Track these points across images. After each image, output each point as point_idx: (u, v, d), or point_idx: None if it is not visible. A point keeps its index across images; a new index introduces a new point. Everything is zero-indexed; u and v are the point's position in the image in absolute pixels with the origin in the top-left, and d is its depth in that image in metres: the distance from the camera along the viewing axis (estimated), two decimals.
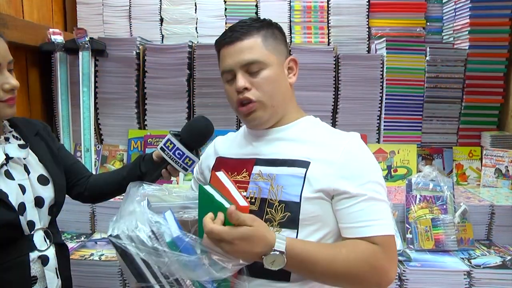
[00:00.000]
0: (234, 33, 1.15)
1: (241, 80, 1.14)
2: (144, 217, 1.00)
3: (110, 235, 0.99)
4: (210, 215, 0.99)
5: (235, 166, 1.22)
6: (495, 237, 2.06)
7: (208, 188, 1.08)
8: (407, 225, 1.99)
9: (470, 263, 1.82)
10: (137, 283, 0.99)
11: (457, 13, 2.58)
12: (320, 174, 1.09)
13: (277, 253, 0.97)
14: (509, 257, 1.87)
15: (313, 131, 1.20)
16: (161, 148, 1.24)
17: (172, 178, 1.33)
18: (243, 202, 1.01)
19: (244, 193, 1.15)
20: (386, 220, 1.08)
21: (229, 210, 0.95)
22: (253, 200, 1.14)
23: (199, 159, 1.29)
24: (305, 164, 1.12)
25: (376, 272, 1.04)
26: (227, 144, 1.33)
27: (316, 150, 1.13)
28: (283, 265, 0.98)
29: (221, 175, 1.12)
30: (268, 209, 1.11)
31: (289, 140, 1.18)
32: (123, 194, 1.25)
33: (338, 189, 1.08)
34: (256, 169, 1.17)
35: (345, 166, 1.09)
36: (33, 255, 1.21)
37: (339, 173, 1.09)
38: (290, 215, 1.09)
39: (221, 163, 1.27)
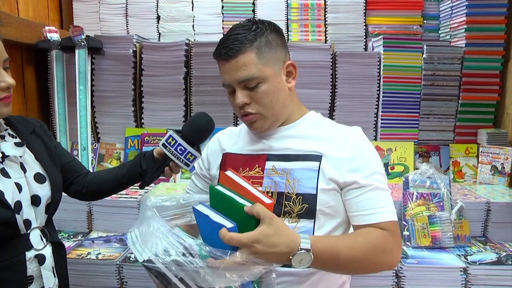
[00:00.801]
0: (229, 50, 1.14)
1: (240, 97, 1.16)
2: (169, 235, 0.99)
3: (143, 261, 0.98)
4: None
5: (246, 162, 1.25)
6: (491, 234, 2.08)
7: (221, 188, 1.06)
8: (404, 223, 1.99)
9: (467, 259, 1.83)
10: None
11: (453, 11, 2.58)
12: (332, 168, 1.16)
13: (304, 251, 0.99)
14: (504, 253, 1.88)
15: (318, 127, 1.24)
16: (163, 145, 1.25)
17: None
18: (267, 200, 1.03)
19: (260, 188, 1.18)
20: (391, 207, 1.15)
21: (245, 208, 0.98)
22: (270, 195, 1.18)
23: (201, 155, 1.30)
24: (317, 158, 1.17)
25: (389, 254, 1.11)
26: (233, 139, 1.34)
27: (324, 145, 1.18)
28: (310, 262, 1.01)
29: (231, 174, 1.10)
30: (286, 202, 1.17)
31: (297, 137, 1.22)
32: (122, 192, 1.23)
33: (347, 181, 1.15)
34: (269, 164, 1.21)
35: (353, 160, 1.15)
36: (30, 254, 1.21)
37: (348, 167, 1.15)
38: (308, 207, 1.15)
39: (231, 159, 1.29)
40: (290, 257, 0.99)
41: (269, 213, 0.99)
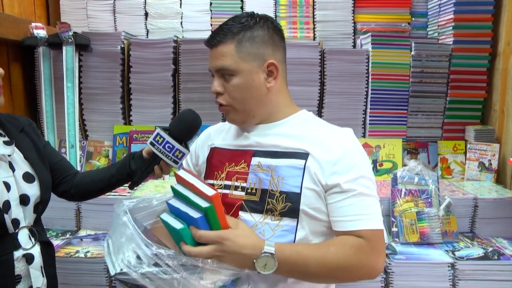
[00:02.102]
0: (213, 38, 1.17)
1: (215, 85, 1.19)
2: (142, 244, 0.99)
3: (116, 274, 0.98)
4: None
5: (232, 157, 1.24)
6: (478, 229, 2.10)
7: (180, 188, 1.08)
8: (392, 219, 2.01)
9: (454, 255, 1.85)
10: None
11: (441, 9, 2.60)
12: (317, 168, 1.12)
13: (268, 255, 1.00)
14: (491, 249, 1.91)
15: (307, 126, 1.22)
16: (151, 143, 1.25)
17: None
18: (211, 192, 1.02)
19: (244, 184, 1.18)
20: (374, 215, 1.11)
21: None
22: (253, 191, 1.16)
23: (189, 151, 1.30)
24: (304, 156, 1.14)
25: (364, 265, 1.08)
26: (222, 134, 1.33)
27: (312, 145, 1.16)
28: (274, 268, 1.01)
29: (183, 173, 1.11)
30: (269, 199, 1.14)
31: (285, 135, 1.20)
32: (112, 192, 1.23)
33: (330, 184, 1.11)
34: (255, 160, 1.19)
35: (338, 162, 1.12)
36: (18, 253, 1.20)
37: (332, 169, 1.11)
38: (291, 205, 1.12)
39: (217, 154, 1.28)
40: (254, 260, 1.00)
41: (234, 219, 1.04)
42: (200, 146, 1.37)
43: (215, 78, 1.19)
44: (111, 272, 1.00)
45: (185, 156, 1.26)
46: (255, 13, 1.21)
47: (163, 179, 2.36)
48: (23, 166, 1.27)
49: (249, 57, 1.16)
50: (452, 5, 2.47)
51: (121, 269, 0.98)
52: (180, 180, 1.09)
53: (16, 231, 1.21)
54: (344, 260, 1.06)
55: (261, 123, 1.23)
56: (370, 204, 1.12)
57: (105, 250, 1.08)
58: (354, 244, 1.07)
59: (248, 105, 1.18)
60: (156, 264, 0.97)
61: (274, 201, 1.14)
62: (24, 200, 1.23)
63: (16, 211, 1.21)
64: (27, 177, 1.26)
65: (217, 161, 1.26)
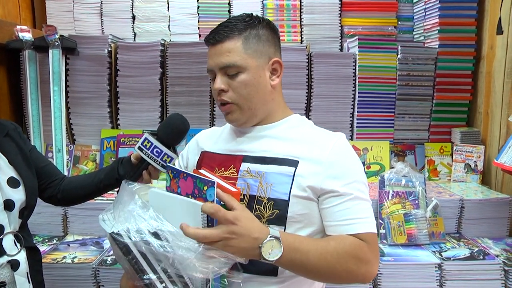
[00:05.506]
0: (217, 34, 1.15)
1: (218, 82, 1.16)
2: (145, 217, 1.00)
3: (113, 233, 0.98)
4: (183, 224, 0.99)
5: (222, 162, 1.23)
6: (465, 230, 2.12)
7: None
8: (380, 221, 2.02)
9: (441, 256, 1.87)
10: (138, 279, 0.99)
11: (427, 13, 2.63)
12: (308, 173, 1.12)
13: (273, 239, 0.99)
14: (477, 249, 1.93)
15: (299, 130, 1.22)
16: (139, 148, 1.24)
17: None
18: (233, 189, 1.05)
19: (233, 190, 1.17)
20: (369, 219, 1.11)
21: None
22: (241, 197, 1.15)
23: (177, 156, 1.29)
24: (294, 163, 1.13)
25: (363, 263, 1.07)
26: (214, 139, 1.33)
27: (304, 149, 1.15)
28: (280, 254, 1.00)
29: (203, 171, 1.13)
30: (257, 206, 1.13)
31: (277, 138, 1.20)
32: (100, 197, 1.22)
33: (325, 188, 1.10)
34: (244, 166, 1.18)
35: (332, 166, 1.11)
36: (2, 260, 1.19)
37: (327, 173, 1.11)
38: (279, 213, 1.11)
39: (208, 158, 1.28)
40: (260, 245, 0.99)
41: (239, 203, 1.02)
42: (191, 149, 1.37)
43: (218, 75, 1.16)
44: (107, 230, 1.00)
45: (174, 160, 1.26)
46: (254, 14, 1.22)
47: (151, 183, 2.34)
48: (7, 171, 1.25)
49: (256, 54, 1.16)
50: (437, 9, 2.51)
51: (118, 231, 0.98)
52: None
53: (1, 237, 1.19)
54: (343, 256, 1.05)
55: (257, 124, 1.23)
56: (365, 208, 1.12)
57: (101, 220, 1.07)
58: (353, 242, 1.07)
59: (253, 103, 1.17)
60: (155, 235, 0.97)
61: (262, 208, 1.13)
62: (8, 205, 1.21)
63: (0, 216, 1.19)
64: (12, 182, 1.24)
65: (207, 165, 1.25)
